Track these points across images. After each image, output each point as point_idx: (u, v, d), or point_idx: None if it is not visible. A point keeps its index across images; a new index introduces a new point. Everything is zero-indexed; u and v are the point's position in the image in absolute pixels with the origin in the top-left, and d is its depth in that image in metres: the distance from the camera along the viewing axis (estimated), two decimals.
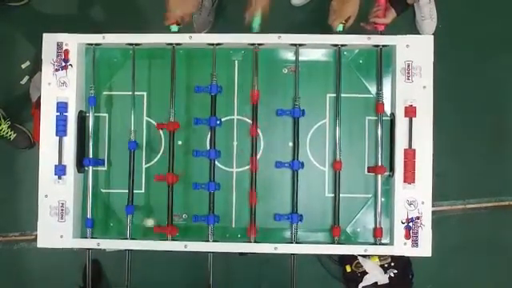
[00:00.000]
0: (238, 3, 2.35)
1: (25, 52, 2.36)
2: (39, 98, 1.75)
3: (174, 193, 1.68)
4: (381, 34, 1.70)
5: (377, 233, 1.67)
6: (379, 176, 1.67)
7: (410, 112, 1.64)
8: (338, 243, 1.67)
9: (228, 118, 1.75)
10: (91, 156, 1.70)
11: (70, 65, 1.70)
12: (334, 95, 1.70)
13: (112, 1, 2.40)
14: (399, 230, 1.65)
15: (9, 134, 2.28)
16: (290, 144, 1.72)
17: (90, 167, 1.70)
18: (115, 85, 1.77)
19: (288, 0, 2.32)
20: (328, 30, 1.72)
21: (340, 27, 1.70)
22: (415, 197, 1.65)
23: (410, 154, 1.65)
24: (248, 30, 1.71)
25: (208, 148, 1.70)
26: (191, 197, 1.74)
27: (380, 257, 2.09)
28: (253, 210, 1.66)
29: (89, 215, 1.69)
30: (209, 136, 1.70)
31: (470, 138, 2.30)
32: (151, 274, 2.25)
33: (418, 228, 1.64)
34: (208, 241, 1.66)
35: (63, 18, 2.37)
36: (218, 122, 1.69)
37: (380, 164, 1.66)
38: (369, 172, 1.71)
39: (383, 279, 2.07)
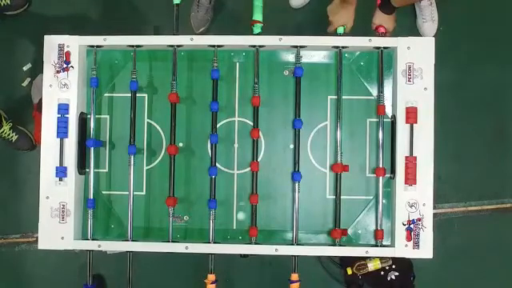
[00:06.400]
0: (236, 1, 2.36)
1: (26, 54, 2.36)
2: (41, 99, 1.75)
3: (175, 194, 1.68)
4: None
5: (378, 235, 1.67)
6: (380, 177, 1.67)
7: (411, 113, 1.64)
8: (340, 245, 1.67)
9: (229, 119, 1.75)
10: (91, 157, 1.71)
11: (72, 66, 1.70)
12: (335, 97, 1.70)
13: (113, 2, 2.40)
14: (400, 232, 1.64)
15: (10, 135, 2.28)
16: (291, 146, 1.72)
17: (91, 168, 1.70)
18: (116, 86, 1.77)
19: (287, 2, 2.32)
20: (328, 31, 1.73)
21: (340, 29, 1.71)
22: (416, 199, 1.65)
23: (411, 156, 1.65)
24: (248, 30, 1.71)
25: (208, 150, 1.71)
26: (192, 198, 1.74)
27: (381, 259, 2.08)
28: (254, 211, 1.67)
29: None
30: (209, 135, 1.70)
31: (471, 139, 2.30)
32: (152, 275, 2.24)
33: (419, 230, 1.64)
34: (209, 242, 1.66)
35: (64, 20, 2.37)
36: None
37: (381, 166, 1.66)
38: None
39: None
